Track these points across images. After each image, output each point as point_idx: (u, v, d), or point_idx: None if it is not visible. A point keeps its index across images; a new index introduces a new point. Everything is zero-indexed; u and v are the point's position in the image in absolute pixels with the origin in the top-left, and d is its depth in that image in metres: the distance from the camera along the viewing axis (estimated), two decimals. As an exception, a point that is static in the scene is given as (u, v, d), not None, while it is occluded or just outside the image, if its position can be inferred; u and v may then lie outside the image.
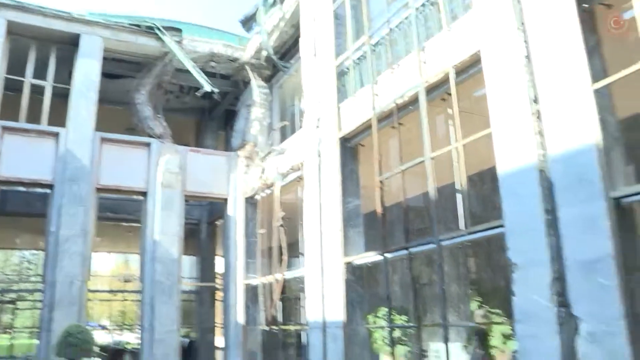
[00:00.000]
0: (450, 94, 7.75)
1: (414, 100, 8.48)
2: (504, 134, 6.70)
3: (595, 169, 5.60)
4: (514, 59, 6.63)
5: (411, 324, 9.32)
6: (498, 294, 8.31)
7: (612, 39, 6.18)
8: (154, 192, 14.00)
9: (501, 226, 6.63)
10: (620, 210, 5.54)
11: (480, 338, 8.78)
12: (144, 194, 14.07)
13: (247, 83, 15.58)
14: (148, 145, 14.30)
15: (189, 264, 20.07)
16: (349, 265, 9.66)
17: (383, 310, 9.43)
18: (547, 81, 6.22)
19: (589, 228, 5.57)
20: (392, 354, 9.20)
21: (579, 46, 5.91)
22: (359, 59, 10.34)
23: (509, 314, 6.56)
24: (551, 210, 5.96)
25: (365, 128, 9.65)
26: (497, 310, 8.30)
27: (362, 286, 9.71)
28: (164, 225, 13.80)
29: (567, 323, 5.67)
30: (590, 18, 6.10)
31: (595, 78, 5.80)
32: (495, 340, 8.30)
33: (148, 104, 14.95)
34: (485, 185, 9.12)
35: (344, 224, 9.83)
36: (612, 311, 5.26)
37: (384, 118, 9.17)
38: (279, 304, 12.95)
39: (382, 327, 9.44)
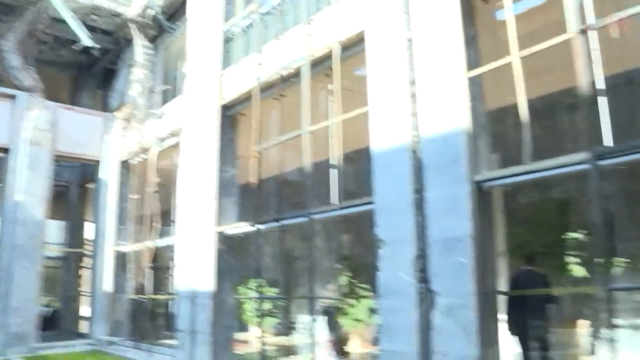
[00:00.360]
0: (333, 70, 7.77)
1: (298, 73, 8.42)
2: (380, 113, 6.82)
3: (462, 153, 5.87)
4: (397, 41, 6.74)
5: (280, 296, 9.38)
6: (367, 269, 8.55)
7: (487, 33, 6.45)
8: (19, 149, 12.96)
9: (371, 203, 6.78)
10: (482, 193, 5.86)
11: (331, 313, 9.01)
12: (6, 150, 12.98)
13: (130, 41, 14.73)
14: (13, 97, 13.14)
15: (56, 229, 18.86)
16: (221, 235, 9.52)
17: (254, 282, 9.41)
18: (425, 65, 6.39)
19: (453, 209, 5.84)
20: (261, 324, 9.22)
21: (458, 35, 6.13)
22: (247, 26, 10.10)
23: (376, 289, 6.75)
24: (420, 190, 6.17)
25: (247, 97, 9.46)
26: (365, 285, 8.55)
27: (234, 257, 9.62)
28: (29, 185, 12.86)
29: (426, 298, 5.93)
30: (471, 10, 6.32)
31: (470, 67, 6.05)
32: (361, 314, 8.56)
33: (17, 52, 13.69)
34: (362, 163, 9.29)
35: (219, 192, 9.66)
36: (466, 287, 5.58)
37: (267, 89, 9.05)
38: (149, 273, 12.54)
39: (251, 298, 9.42)
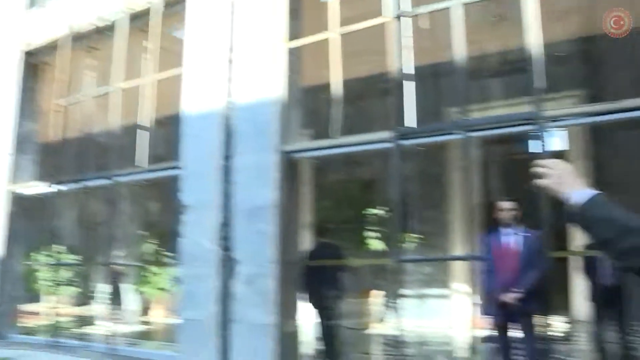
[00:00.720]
0: (150, 27, 7.35)
1: (114, 26, 7.84)
2: (195, 76, 6.64)
3: (273, 122, 5.91)
4: (220, 4, 6.56)
5: (77, 263, 8.75)
6: (173, 237, 8.32)
7: (313, 11, 6.48)
8: None
9: (179, 168, 6.56)
10: (290, 164, 5.98)
11: (131, 281, 8.64)
12: None
13: None
14: None
15: None
16: (15, 195, 8.60)
17: (51, 248, 8.67)
18: (247, 31, 6.32)
19: (259, 177, 5.87)
20: (56, 294, 8.54)
21: (282, 5, 6.11)
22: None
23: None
24: (229, 157, 6.10)
25: (56, 46, 8.58)
26: (170, 254, 8.28)
27: (29, 220, 8.75)
28: None
29: (228, 265, 5.90)
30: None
31: (292, 38, 6.09)
32: (164, 282, 8.30)
33: None
34: (175, 127, 9.03)
35: (15, 148, 8.72)
36: (267, 255, 5.68)
37: (79, 39, 8.29)
38: None
39: (45, 265, 8.67)
